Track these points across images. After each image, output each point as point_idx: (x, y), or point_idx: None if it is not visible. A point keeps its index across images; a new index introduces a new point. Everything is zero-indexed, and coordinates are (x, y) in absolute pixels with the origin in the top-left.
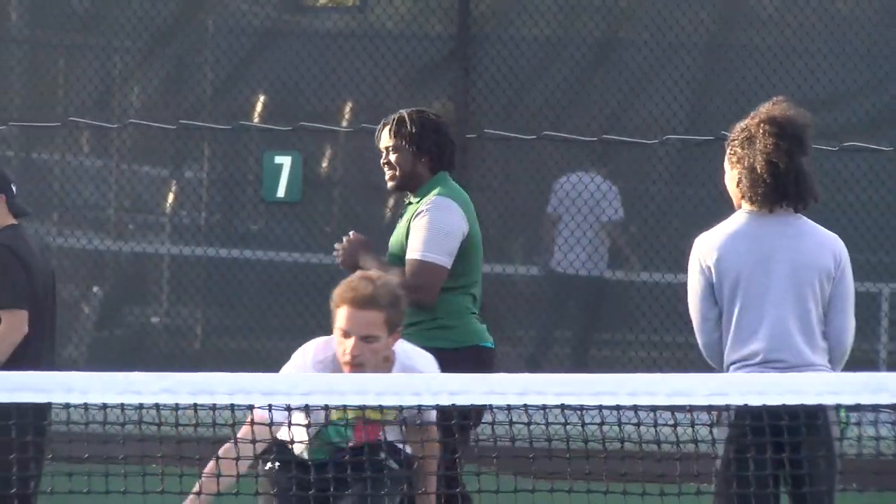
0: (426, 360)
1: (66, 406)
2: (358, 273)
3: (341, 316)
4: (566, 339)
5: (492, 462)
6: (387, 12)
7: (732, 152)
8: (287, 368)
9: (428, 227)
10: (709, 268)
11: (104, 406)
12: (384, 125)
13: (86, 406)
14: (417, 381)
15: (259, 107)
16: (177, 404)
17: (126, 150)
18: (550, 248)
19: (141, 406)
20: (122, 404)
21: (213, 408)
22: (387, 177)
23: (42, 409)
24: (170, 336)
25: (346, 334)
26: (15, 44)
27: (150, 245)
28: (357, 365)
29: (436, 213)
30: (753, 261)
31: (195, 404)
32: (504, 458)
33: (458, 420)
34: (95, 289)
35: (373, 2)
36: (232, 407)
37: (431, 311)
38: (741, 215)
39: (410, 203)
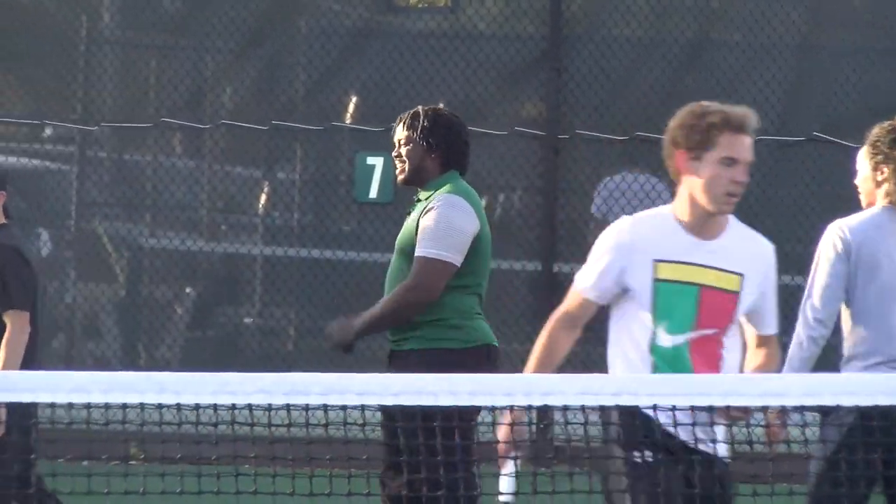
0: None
1: (159, 406)
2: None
3: (727, 142)
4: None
5: (584, 462)
6: (479, 13)
7: (877, 151)
8: (601, 250)
9: (436, 224)
10: (847, 253)
11: (197, 406)
12: (399, 120)
13: (179, 406)
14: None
15: (351, 107)
16: (270, 405)
17: (218, 150)
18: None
19: (234, 406)
20: (215, 405)
21: (307, 408)
22: (397, 170)
23: (29, 409)
24: (263, 337)
25: (733, 161)
26: (107, 45)
27: (242, 246)
28: (734, 196)
29: (445, 210)
30: (891, 255)
31: (288, 405)
32: (598, 459)
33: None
34: (188, 289)
35: (464, 2)
36: (325, 407)
37: (440, 311)
38: (882, 210)
39: (419, 200)
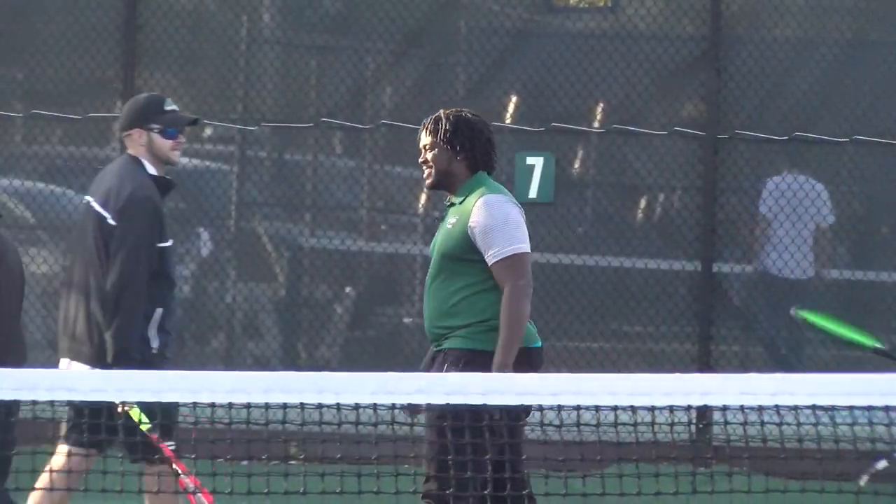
0: None
1: (319, 406)
2: None
3: None
4: (783, 339)
5: (743, 462)
6: (638, 13)
7: None
8: None
9: (496, 224)
10: None
11: (357, 406)
12: (423, 126)
13: (338, 406)
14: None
15: (511, 108)
16: (428, 404)
17: (378, 150)
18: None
19: (394, 406)
20: (375, 404)
21: None
22: (424, 175)
23: (9, 406)
24: (422, 336)
25: None
26: (268, 45)
27: (402, 245)
28: None
29: (494, 210)
30: None
31: (448, 404)
32: (756, 459)
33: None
34: (348, 289)
35: (624, 2)
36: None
37: (482, 313)
38: None
39: (452, 204)
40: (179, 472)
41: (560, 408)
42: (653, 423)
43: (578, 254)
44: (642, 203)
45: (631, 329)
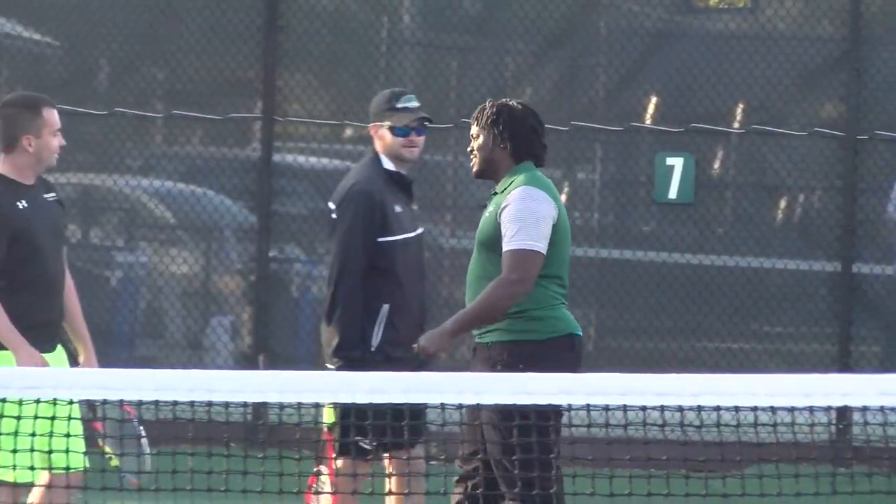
0: None
1: (460, 407)
2: None
3: None
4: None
5: (883, 463)
6: (778, 14)
7: None
8: None
9: (520, 216)
10: None
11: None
12: (473, 117)
13: (478, 406)
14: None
15: (651, 108)
16: (570, 405)
17: None
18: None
19: (535, 406)
20: (514, 405)
21: (606, 409)
22: (471, 164)
23: None
24: None
25: None
26: (408, 46)
27: None
28: None
29: (522, 203)
30: None
31: (588, 405)
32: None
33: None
34: None
35: (764, 3)
36: (624, 408)
37: (522, 303)
38: None
39: (496, 193)
40: (323, 471)
41: (700, 408)
42: (792, 424)
43: (718, 254)
44: (782, 204)
45: (771, 329)
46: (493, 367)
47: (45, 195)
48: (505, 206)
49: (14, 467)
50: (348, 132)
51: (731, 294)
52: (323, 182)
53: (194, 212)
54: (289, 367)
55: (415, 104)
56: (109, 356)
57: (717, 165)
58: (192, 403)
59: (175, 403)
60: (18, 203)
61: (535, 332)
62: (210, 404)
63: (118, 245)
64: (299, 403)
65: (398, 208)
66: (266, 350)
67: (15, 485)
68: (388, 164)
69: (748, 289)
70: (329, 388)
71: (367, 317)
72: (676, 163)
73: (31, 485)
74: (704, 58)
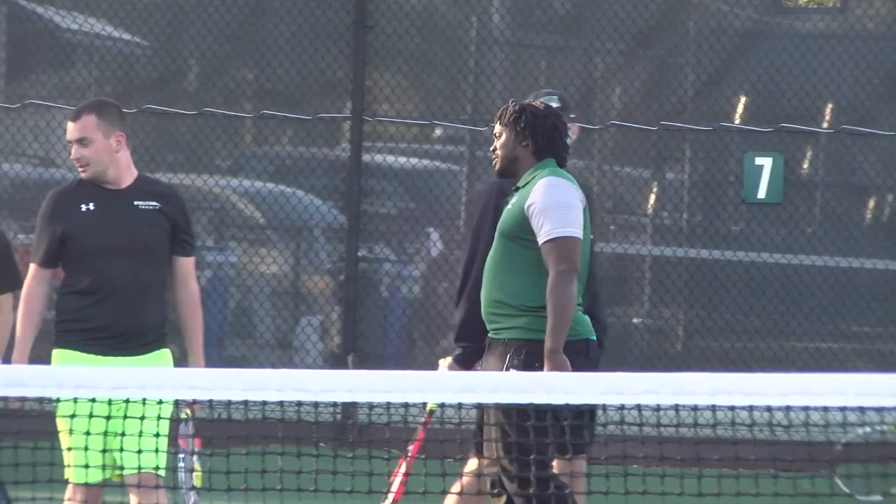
0: None
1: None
2: None
3: None
4: None
5: None
6: (867, 13)
7: None
8: None
9: (550, 205)
10: None
11: (578, 407)
12: (496, 116)
13: (567, 406)
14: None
15: (740, 108)
16: (658, 405)
17: (608, 151)
18: None
19: (623, 407)
20: (604, 405)
21: (695, 409)
22: (493, 162)
23: None
24: (651, 337)
25: None
26: (497, 45)
27: (631, 246)
28: None
29: (550, 192)
30: None
31: (677, 405)
32: None
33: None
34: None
35: (853, 3)
36: (713, 408)
37: (533, 299)
38: None
39: (518, 188)
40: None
41: (788, 408)
42: (882, 424)
43: (807, 254)
44: (871, 203)
45: (860, 329)
46: (507, 362)
47: (140, 202)
48: (532, 201)
49: (86, 466)
50: (437, 132)
51: (819, 294)
52: (412, 182)
53: (284, 212)
54: (377, 366)
55: (556, 104)
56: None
57: (805, 165)
58: (281, 403)
59: (264, 403)
60: (83, 205)
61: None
62: (300, 404)
63: (208, 245)
64: (388, 403)
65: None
66: (355, 350)
67: (87, 485)
68: None
69: (837, 288)
70: (417, 387)
71: None
72: (765, 163)
73: (102, 484)
74: (793, 58)
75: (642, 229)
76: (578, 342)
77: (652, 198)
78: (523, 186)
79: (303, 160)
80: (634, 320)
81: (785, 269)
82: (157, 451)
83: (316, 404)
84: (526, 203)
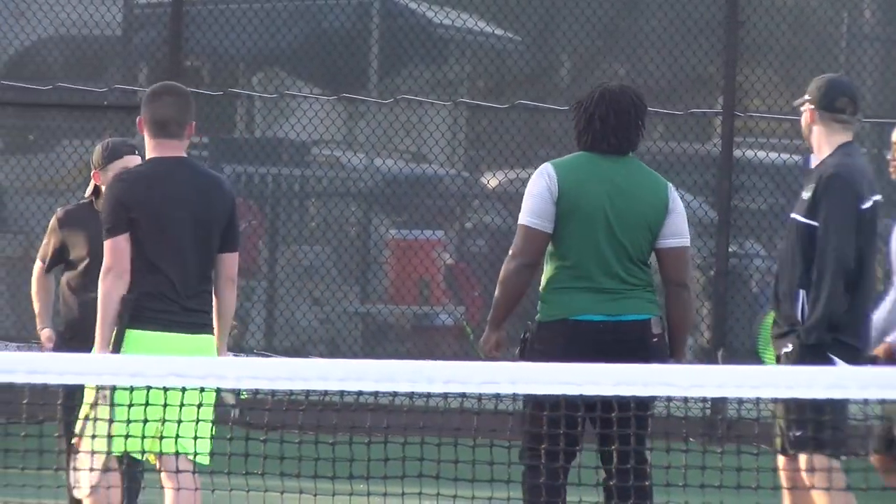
0: None
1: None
2: None
3: None
4: None
5: None
6: None
7: None
8: None
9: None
10: None
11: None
12: None
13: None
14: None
15: None
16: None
17: None
18: None
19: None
20: (654, 396)
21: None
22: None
23: None
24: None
25: None
26: (867, 41)
27: None
28: None
29: (530, 179)
30: None
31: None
32: None
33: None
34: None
35: None
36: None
37: (540, 284)
38: None
39: None
40: None
41: None
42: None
43: None
44: None
45: None
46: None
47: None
48: None
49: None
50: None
51: None
52: (783, 178)
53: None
54: (747, 361)
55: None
56: None
57: None
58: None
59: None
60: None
61: (539, 313)
62: (669, 399)
63: None
64: (758, 398)
65: None
66: (724, 345)
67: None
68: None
69: None
70: (786, 383)
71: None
72: None
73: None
74: None
75: None
76: (555, 322)
77: None
78: None
79: (674, 155)
80: None
81: None
82: (196, 437)
83: (685, 399)
84: None
